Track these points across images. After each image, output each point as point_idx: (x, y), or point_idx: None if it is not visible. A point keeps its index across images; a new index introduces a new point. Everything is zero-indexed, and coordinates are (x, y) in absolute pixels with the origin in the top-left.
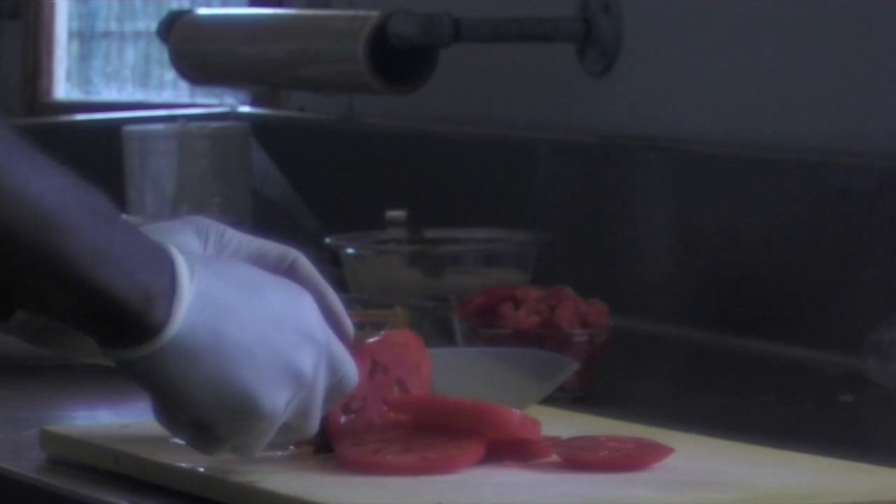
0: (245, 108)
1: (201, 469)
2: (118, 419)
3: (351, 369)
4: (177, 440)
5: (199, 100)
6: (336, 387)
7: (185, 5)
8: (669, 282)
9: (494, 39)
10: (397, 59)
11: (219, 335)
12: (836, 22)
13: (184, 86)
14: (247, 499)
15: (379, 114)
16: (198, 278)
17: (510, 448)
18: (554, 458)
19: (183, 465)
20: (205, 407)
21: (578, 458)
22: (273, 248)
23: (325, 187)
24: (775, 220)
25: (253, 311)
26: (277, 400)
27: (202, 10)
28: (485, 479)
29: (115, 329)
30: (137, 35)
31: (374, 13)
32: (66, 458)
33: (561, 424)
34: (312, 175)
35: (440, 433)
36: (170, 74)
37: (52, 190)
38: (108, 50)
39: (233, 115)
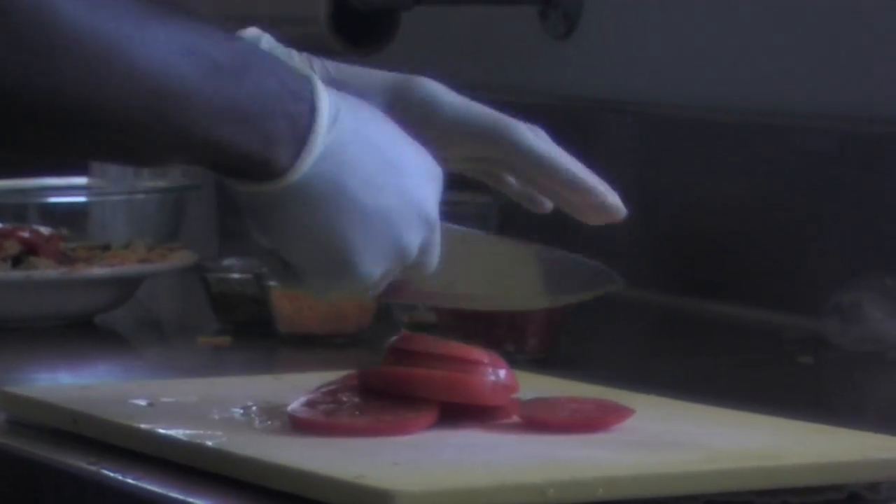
0: None
1: (159, 430)
2: (78, 381)
3: (432, 259)
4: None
5: None
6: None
7: None
8: (631, 244)
9: (456, 2)
10: (359, 22)
11: (341, 191)
12: None
13: None
14: (202, 459)
15: None
16: (338, 127)
17: (468, 410)
18: (514, 418)
19: (141, 426)
20: (304, 254)
21: (538, 418)
22: None
23: None
24: (737, 182)
25: (382, 176)
26: (375, 269)
27: None
28: (442, 440)
29: (236, 173)
30: None
31: None
32: (24, 419)
33: (521, 386)
34: None
35: (394, 395)
36: None
37: (168, 57)
38: None
39: None
